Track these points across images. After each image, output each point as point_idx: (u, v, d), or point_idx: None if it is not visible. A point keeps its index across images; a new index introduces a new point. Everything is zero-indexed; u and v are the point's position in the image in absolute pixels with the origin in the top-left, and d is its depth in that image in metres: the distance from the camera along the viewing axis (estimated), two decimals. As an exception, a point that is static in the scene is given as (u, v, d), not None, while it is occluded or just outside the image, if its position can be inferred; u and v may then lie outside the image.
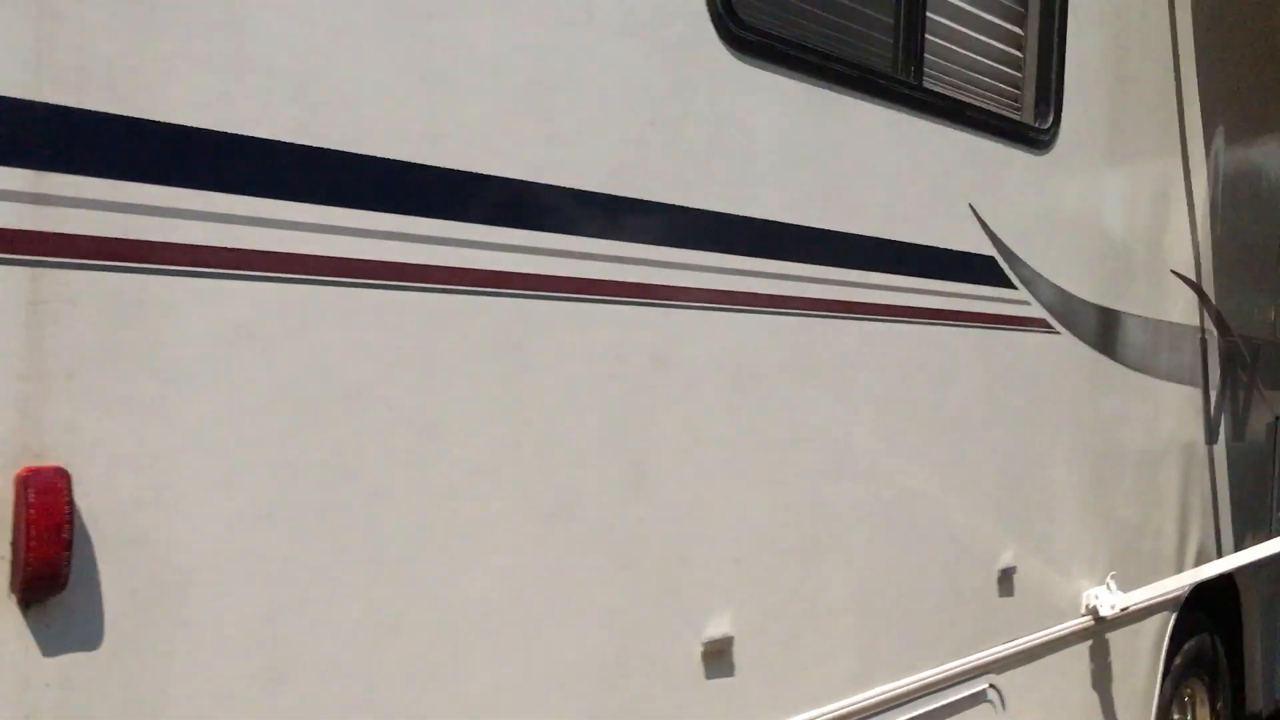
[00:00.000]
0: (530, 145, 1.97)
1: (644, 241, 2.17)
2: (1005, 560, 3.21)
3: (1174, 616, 4.13)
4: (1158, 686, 4.07)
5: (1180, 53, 3.95)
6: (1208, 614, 4.50)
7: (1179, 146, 4.00)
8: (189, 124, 1.56)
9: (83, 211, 1.48)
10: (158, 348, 1.55)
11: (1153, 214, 3.91)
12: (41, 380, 1.45)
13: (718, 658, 2.36)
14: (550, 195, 2.01)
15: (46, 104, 1.44)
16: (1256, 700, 4.87)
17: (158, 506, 1.56)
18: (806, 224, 2.52)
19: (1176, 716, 4.51)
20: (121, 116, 1.50)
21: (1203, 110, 4.10)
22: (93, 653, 1.50)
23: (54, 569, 1.45)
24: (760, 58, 2.36)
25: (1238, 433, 4.52)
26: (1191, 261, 4.10)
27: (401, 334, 1.81)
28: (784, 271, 2.47)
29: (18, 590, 1.44)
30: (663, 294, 2.21)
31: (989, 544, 3.17)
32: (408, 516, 1.83)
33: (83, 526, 1.48)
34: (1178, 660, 4.26)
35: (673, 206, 2.22)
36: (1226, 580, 4.56)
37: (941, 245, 2.91)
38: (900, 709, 2.86)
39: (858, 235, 2.65)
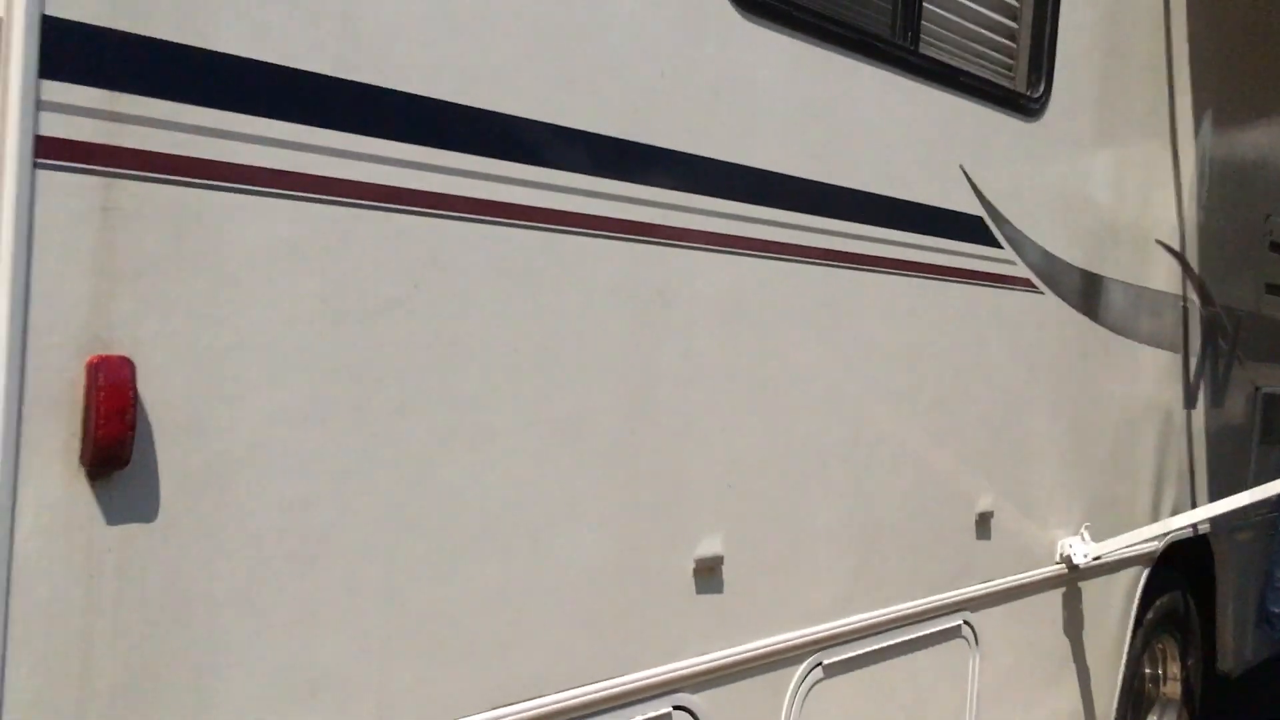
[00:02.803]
0: (551, 88, 2.14)
1: (652, 184, 2.34)
2: (983, 505, 3.39)
3: (1146, 572, 4.31)
4: (1128, 637, 4.26)
5: (1173, 28, 4.10)
6: (1182, 575, 4.69)
7: (1168, 120, 4.16)
8: (243, 54, 1.73)
9: (150, 130, 1.65)
10: (213, 256, 1.72)
11: (1139, 184, 4.06)
12: (111, 278, 1.63)
13: (708, 575, 2.54)
14: (567, 137, 2.18)
15: (119, 30, 1.61)
16: (1227, 660, 5.06)
17: (209, 398, 1.74)
18: (805, 176, 2.68)
19: (1148, 669, 4.71)
20: (184, 45, 1.67)
21: (1193, 86, 4.25)
22: (149, 524, 1.69)
23: (118, 447, 1.63)
24: (766, 18, 2.52)
25: (1217, 400, 4.69)
26: (1176, 232, 4.26)
27: (431, 256, 1.98)
28: (781, 220, 2.64)
29: (86, 464, 1.61)
30: (669, 234, 2.38)
31: (968, 488, 3.35)
32: (429, 423, 2.01)
33: (144, 412, 1.66)
34: (1150, 615, 4.44)
35: (679, 153, 2.39)
36: (1202, 544, 4.75)
37: (932, 203, 3.08)
38: (877, 637, 3.05)
39: (852, 189, 2.82)
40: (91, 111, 1.59)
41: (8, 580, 1.55)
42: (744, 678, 2.66)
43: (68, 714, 1.62)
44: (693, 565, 2.50)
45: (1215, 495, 4.58)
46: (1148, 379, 4.22)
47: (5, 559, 1.55)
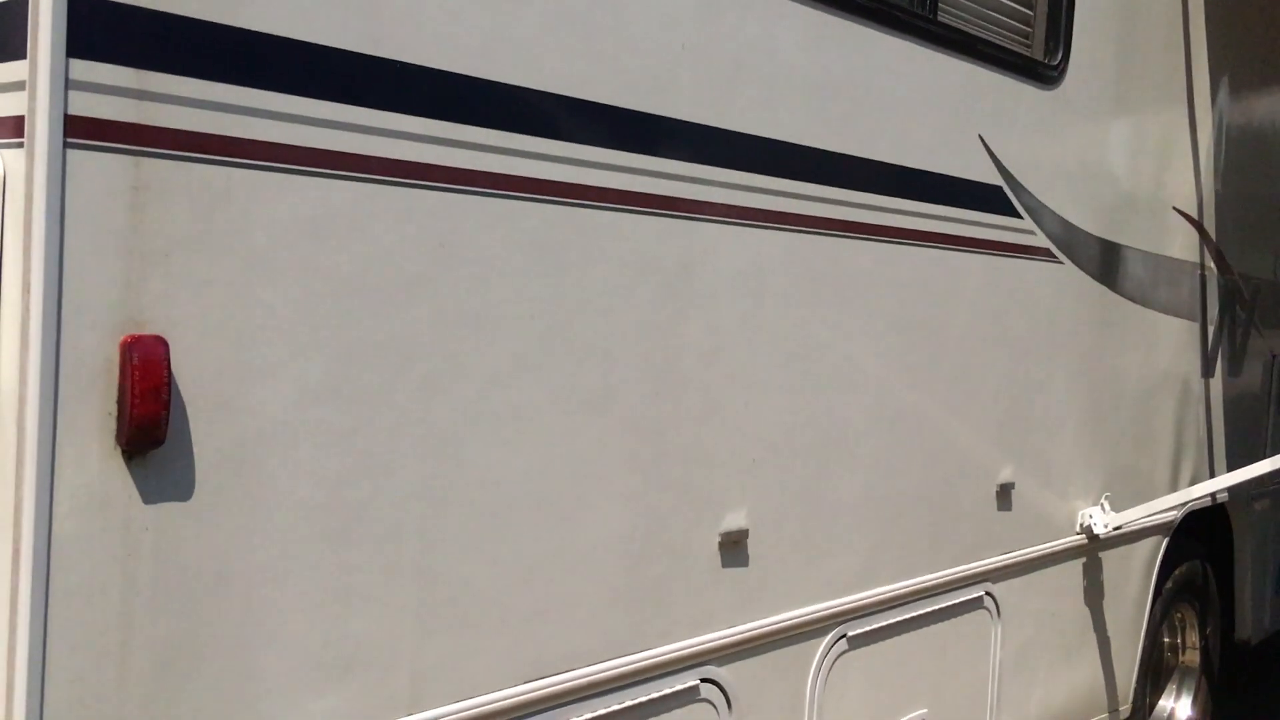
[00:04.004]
0: (572, 62, 2.13)
1: (674, 158, 2.33)
2: (1004, 476, 3.39)
3: (1166, 541, 4.31)
4: (1148, 607, 4.27)
5: (1189, -3, 4.07)
6: (1201, 544, 4.69)
7: (1185, 88, 4.13)
8: (269, 31, 1.73)
9: (178, 108, 1.64)
10: (241, 234, 1.72)
11: (1157, 152, 4.04)
12: (142, 257, 1.63)
13: (733, 548, 2.55)
14: (589, 111, 2.17)
15: (147, 9, 1.60)
16: (1246, 629, 5.06)
17: (241, 376, 1.74)
18: (825, 148, 2.67)
19: (1167, 638, 4.72)
20: (211, 23, 1.67)
21: (1210, 55, 4.22)
22: (184, 503, 1.69)
23: (154, 426, 1.63)
24: (785, -13, 2.51)
25: (1234, 368, 4.68)
26: (1194, 200, 4.24)
27: (453, 232, 1.98)
28: (802, 192, 2.63)
29: (122, 443, 1.62)
30: (691, 208, 2.37)
31: (988, 459, 3.34)
32: (456, 399, 2.01)
33: (178, 390, 1.67)
34: (1169, 584, 4.44)
35: (701, 126, 2.38)
36: (1220, 513, 4.74)
37: (951, 173, 3.06)
38: (900, 608, 3.05)
39: (872, 160, 2.81)
40: (120, 90, 1.59)
41: (48, 559, 1.56)
42: (769, 650, 2.67)
43: (108, 690, 1.63)
44: (718, 539, 2.51)
45: (1233, 464, 4.57)
46: (1166, 348, 4.21)
47: (45, 538, 1.56)
